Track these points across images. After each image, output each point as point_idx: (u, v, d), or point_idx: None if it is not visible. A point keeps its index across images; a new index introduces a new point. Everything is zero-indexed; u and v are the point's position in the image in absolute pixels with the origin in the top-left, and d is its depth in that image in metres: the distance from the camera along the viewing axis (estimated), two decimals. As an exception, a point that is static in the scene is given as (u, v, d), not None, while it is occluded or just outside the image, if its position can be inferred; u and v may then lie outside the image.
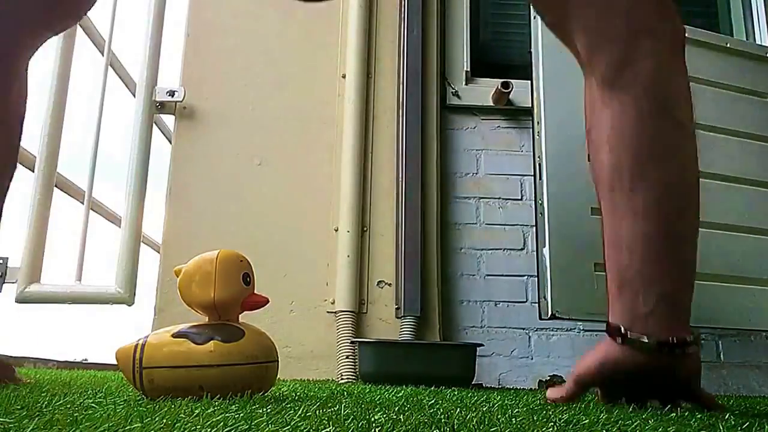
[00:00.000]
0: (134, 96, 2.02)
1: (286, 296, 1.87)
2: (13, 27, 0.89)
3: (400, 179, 1.95)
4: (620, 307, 0.76)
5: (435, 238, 1.93)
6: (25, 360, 1.63)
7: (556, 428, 0.48)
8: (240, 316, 0.72)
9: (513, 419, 0.52)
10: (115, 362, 0.68)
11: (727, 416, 0.66)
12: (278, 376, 0.73)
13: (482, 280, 1.96)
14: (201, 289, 0.68)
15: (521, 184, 2.04)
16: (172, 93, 1.97)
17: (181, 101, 1.97)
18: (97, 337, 1.76)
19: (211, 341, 0.65)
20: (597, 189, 0.82)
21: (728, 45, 1.89)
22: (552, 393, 0.83)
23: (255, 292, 0.72)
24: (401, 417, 0.50)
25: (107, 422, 0.40)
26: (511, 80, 2.01)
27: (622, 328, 0.74)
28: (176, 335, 0.66)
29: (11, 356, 1.30)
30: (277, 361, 0.71)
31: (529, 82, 1.66)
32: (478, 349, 1.67)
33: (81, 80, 2.02)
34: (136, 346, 0.65)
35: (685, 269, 0.76)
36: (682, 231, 0.76)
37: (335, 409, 0.55)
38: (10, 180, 0.96)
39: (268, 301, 0.72)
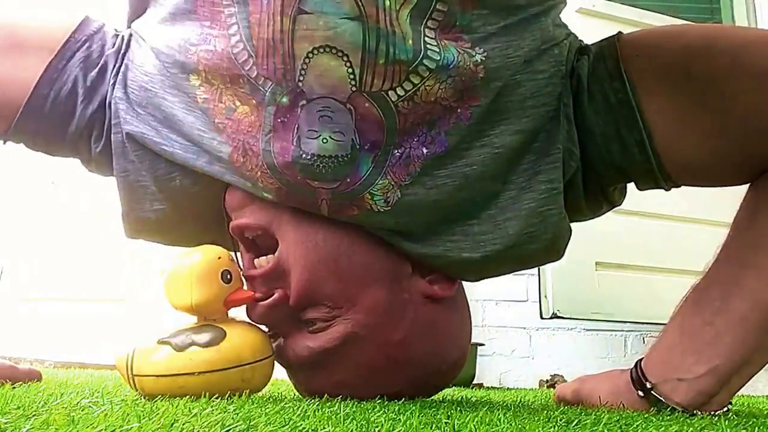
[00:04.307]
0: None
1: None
2: None
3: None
4: (663, 356, 0.70)
5: (435, 237, 1.92)
6: (21, 360, 1.62)
7: (557, 428, 0.48)
8: (230, 312, 0.69)
9: (514, 419, 0.51)
10: (111, 362, 0.67)
11: (730, 416, 0.66)
12: (277, 376, 0.72)
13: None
14: (179, 295, 0.66)
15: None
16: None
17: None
18: (94, 337, 1.75)
19: (191, 347, 0.63)
20: (739, 222, 0.70)
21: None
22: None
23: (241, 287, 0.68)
24: (401, 417, 0.50)
25: (104, 422, 0.40)
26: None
27: (649, 384, 0.69)
28: (160, 342, 0.64)
29: (7, 356, 1.29)
30: (271, 356, 0.68)
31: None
32: (478, 348, 1.66)
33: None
34: (129, 352, 0.64)
35: (760, 360, 0.68)
36: None
37: (334, 408, 0.54)
38: None
39: (252, 297, 0.68)
